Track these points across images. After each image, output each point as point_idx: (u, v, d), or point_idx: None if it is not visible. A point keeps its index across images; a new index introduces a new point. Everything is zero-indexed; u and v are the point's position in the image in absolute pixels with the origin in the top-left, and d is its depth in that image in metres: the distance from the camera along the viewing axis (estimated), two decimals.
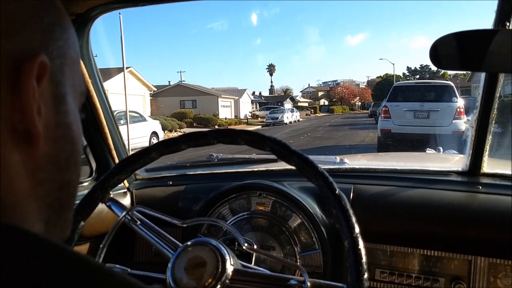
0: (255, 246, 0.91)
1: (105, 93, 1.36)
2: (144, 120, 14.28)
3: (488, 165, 1.26)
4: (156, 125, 14.88)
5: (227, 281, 0.74)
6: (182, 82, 39.10)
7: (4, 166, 0.32)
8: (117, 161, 1.39)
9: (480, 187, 1.17)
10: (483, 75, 1.14)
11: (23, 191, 0.34)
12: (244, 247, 0.87)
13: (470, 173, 1.28)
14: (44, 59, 0.34)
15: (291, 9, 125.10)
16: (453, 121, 8.65)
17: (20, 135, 0.33)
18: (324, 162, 1.47)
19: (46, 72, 0.35)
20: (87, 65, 1.25)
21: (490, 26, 1.04)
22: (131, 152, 1.16)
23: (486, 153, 1.23)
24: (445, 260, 1.09)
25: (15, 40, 0.33)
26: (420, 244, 1.11)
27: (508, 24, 1.01)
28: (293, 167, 0.78)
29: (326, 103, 67.36)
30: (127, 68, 13.99)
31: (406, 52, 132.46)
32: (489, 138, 1.21)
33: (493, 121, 1.18)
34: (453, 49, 0.90)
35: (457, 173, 1.31)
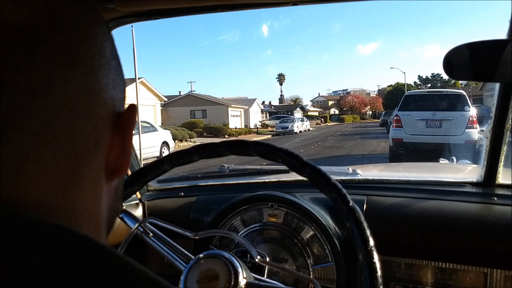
0: (267, 259, 0.90)
1: None
2: (155, 130, 14.37)
3: (504, 176, 1.24)
4: (167, 135, 14.96)
5: None
6: (193, 92, 39.29)
7: (100, 200, 0.34)
8: (129, 173, 1.40)
9: (496, 198, 1.16)
10: (497, 85, 1.13)
11: (103, 220, 0.36)
12: (256, 260, 0.86)
13: (485, 184, 1.26)
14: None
15: (302, 20, 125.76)
16: (466, 130, 8.57)
17: (110, 170, 0.35)
18: (337, 173, 1.46)
19: None
20: None
21: (504, 36, 1.03)
22: (142, 162, 1.16)
23: (501, 164, 1.22)
24: (460, 272, 1.07)
25: (118, 88, 0.36)
26: (435, 257, 1.09)
27: None
28: (304, 178, 0.78)
29: (337, 112, 67.22)
30: (138, 79, 14.13)
31: (418, 60, 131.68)
32: (504, 148, 1.19)
33: (508, 131, 1.17)
34: (466, 59, 0.90)
35: (472, 184, 1.29)
